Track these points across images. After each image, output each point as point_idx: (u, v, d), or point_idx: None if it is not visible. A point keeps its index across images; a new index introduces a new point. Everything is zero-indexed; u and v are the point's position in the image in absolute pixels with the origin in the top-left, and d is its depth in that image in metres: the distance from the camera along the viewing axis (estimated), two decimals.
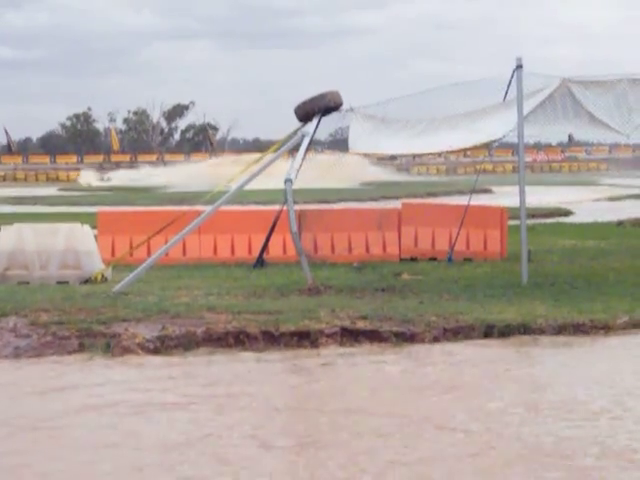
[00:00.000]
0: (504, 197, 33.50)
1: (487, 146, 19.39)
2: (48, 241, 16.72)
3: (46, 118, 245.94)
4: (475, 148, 18.17)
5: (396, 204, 22.83)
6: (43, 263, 16.60)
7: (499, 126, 16.41)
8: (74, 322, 12.43)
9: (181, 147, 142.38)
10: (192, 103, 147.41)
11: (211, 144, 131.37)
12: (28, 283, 16.29)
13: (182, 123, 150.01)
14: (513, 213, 20.54)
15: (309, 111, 16.41)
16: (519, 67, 15.83)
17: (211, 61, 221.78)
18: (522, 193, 16.04)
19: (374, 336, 12.34)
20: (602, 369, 10.92)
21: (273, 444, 8.14)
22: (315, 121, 16.46)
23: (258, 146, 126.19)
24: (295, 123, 16.92)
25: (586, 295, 14.63)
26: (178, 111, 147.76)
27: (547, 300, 14.12)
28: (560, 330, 12.55)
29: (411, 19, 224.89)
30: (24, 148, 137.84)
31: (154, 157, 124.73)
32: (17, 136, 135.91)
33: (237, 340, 12.18)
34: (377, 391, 10.07)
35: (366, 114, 17.05)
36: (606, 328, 12.60)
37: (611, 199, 49.55)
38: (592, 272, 17.28)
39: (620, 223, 29.06)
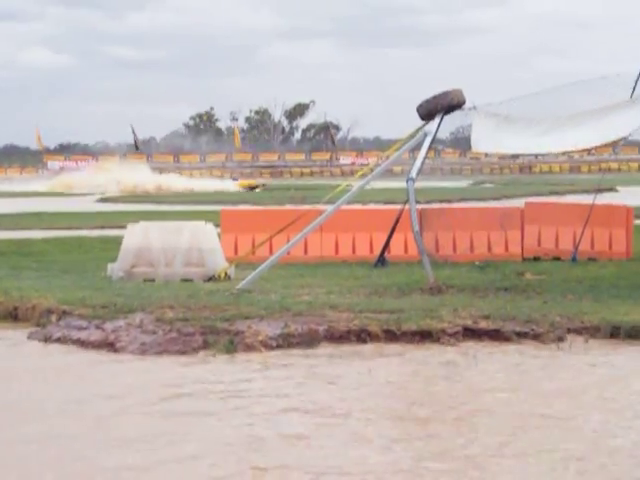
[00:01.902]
0: (630, 196, 32.81)
1: (613, 144, 19.01)
2: (173, 239, 17.01)
3: (169, 118, 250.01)
4: (601, 146, 17.80)
5: (519, 203, 22.53)
6: (168, 261, 16.89)
7: (626, 124, 16.06)
8: (198, 319, 12.61)
9: (302, 146, 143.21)
10: (313, 102, 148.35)
11: (332, 143, 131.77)
12: (154, 280, 16.60)
13: (303, 122, 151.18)
14: (639, 212, 20.15)
15: (432, 109, 16.32)
16: None
17: (331, 60, 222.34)
18: None
19: (496, 336, 12.23)
20: None
21: None
22: (437, 119, 16.36)
23: (378, 145, 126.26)
24: (416, 122, 16.86)
25: None
26: (299, 110, 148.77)
27: None
28: None
29: (532, 16, 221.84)
30: (148, 147, 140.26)
31: (276, 156, 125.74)
32: (141, 136, 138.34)
33: (359, 338, 12.20)
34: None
35: (489, 112, 16.88)
36: None
37: None
38: None
39: None
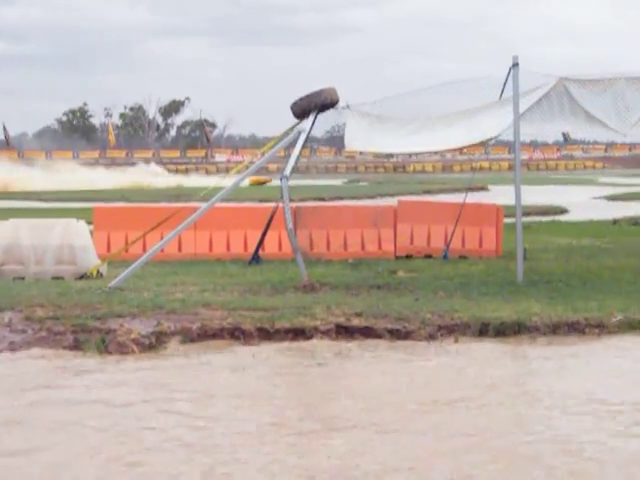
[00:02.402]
0: (500, 195, 33.51)
1: (483, 144, 19.40)
2: (44, 236, 16.72)
3: (42, 113, 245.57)
4: (472, 146, 18.17)
5: (392, 202, 22.81)
6: (39, 258, 16.60)
7: (495, 124, 16.43)
8: (69, 317, 12.43)
9: (177, 143, 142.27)
10: (188, 99, 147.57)
11: (208, 140, 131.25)
12: (23, 278, 16.30)
13: (178, 119, 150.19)
14: (509, 211, 20.58)
15: (305, 108, 16.40)
16: (515, 65, 15.84)
17: (206, 58, 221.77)
18: (518, 191, 16.06)
19: (369, 333, 12.35)
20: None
21: None
22: (311, 118, 16.45)
23: (254, 142, 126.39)
24: (291, 120, 16.91)
25: (581, 293, 14.65)
26: (174, 107, 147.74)
27: (542, 298, 14.13)
28: (555, 328, 12.56)
29: (404, 17, 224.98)
30: (19, 143, 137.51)
31: (150, 153, 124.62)
32: (13, 131, 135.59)
33: (232, 336, 12.19)
34: None
35: (362, 112, 17.05)
36: (600, 327, 12.61)
37: (607, 198, 49.58)
38: (587, 270, 17.30)
39: (616, 221, 29.12)
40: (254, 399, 9.51)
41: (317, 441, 8.14)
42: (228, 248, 20.15)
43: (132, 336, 11.84)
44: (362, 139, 17.06)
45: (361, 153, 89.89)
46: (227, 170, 66.20)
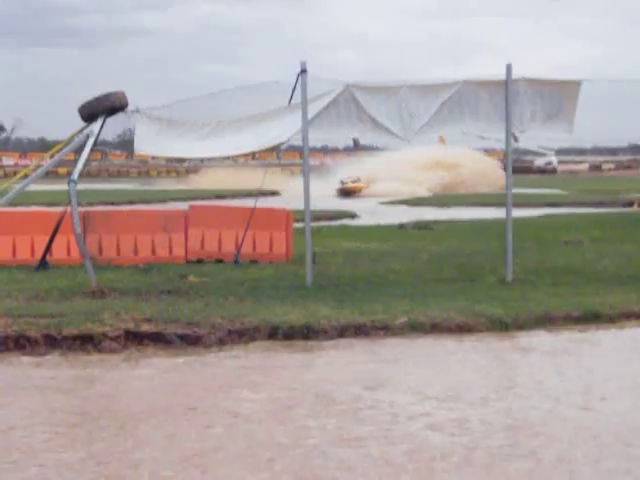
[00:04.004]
0: (291, 199, 33.86)
1: (275, 149, 19.57)
2: None
3: None
4: (262, 151, 18.28)
5: (184, 206, 22.71)
6: None
7: (284, 129, 16.62)
8: None
9: None
10: None
11: None
12: None
13: None
14: (299, 215, 20.84)
15: (94, 111, 16.17)
16: (304, 71, 16.07)
17: None
18: (307, 196, 16.30)
19: (159, 338, 12.31)
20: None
21: None
22: (100, 121, 16.23)
23: (44, 146, 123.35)
24: (81, 123, 16.64)
25: (368, 296, 14.99)
26: None
27: (330, 302, 14.39)
28: (342, 331, 12.82)
29: (193, 21, 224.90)
30: None
31: None
32: None
33: (17, 344, 11.91)
34: None
35: (152, 116, 16.93)
36: (386, 329, 12.95)
37: (393, 202, 50.83)
38: (374, 274, 17.71)
39: (402, 226, 29.88)
40: None
41: None
42: (14, 253, 19.62)
43: None
44: (152, 143, 16.95)
45: (154, 157, 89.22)
46: (14, 174, 64.42)
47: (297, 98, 16.37)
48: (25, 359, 11.54)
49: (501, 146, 17.42)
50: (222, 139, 16.75)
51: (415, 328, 13.02)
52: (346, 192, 63.47)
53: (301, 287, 15.90)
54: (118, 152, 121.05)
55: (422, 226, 29.58)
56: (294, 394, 10.00)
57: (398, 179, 66.13)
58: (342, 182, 66.27)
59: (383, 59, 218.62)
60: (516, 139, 17.07)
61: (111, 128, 16.80)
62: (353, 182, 66.43)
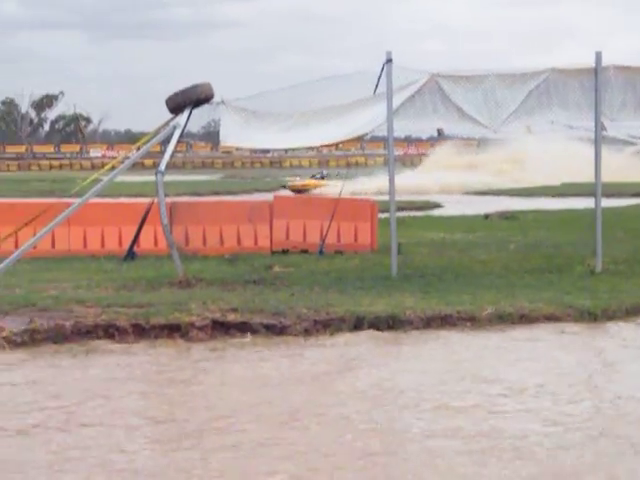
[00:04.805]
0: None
1: (359, 139, 19.54)
2: None
3: None
4: (347, 142, 18.27)
5: (269, 197, 22.82)
6: None
7: (369, 120, 16.57)
8: None
9: (51, 138, 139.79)
10: (62, 93, 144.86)
11: (82, 135, 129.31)
12: None
13: (52, 114, 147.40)
14: (384, 206, 20.78)
15: (180, 103, 16.27)
16: (389, 61, 16.00)
17: (81, 52, 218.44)
18: (392, 186, 16.24)
19: (245, 328, 12.37)
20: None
21: None
22: (186, 113, 16.34)
23: (130, 138, 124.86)
24: (167, 115, 16.78)
25: (454, 287, 14.90)
26: (47, 101, 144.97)
27: (416, 292, 14.33)
28: (428, 322, 12.76)
29: (279, 12, 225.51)
30: None
31: (23, 148, 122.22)
32: None
33: (106, 333, 12.07)
34: None
35: (237, 107, 17.01)
36: (472, 320, 12.86)
37: (478, 193, 50.47)
38: (460, 264, 17.60)
39: (487, 216, 29.62)
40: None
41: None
42: (103, 244, 19.89)
43: (3, 334, 11.64)
44: (237, 135, 17.03)
45: (237, 148, 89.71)
46: (102, 165, 65.38)
47: (382, 88, 16.31)
48: (115, 347, 11.70)
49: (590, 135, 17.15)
50: (307, 130, 16.76)
51: (502, 319, 12.91)
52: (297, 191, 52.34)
53: (386, 278, 15.85)
54: (202, 143, 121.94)
55: (508, 216, 29.29)
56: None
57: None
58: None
59: (468, 48, 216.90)
60: (604, 128, 16.82)
61: (196, 120, 16.92)
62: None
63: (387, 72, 16.03)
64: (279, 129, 16.84)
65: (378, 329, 12.54)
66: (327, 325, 12.59)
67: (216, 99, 16.78)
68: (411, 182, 47.48)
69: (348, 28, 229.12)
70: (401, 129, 17.61)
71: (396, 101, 16.16)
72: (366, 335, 12.29)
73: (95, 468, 7.42)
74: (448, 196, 46.32)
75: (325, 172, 59.80)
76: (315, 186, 52.29)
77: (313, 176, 57.58)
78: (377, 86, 16.39)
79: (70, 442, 8.06)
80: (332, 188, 50.06)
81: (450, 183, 52.30)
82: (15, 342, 11.58)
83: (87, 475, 7.29)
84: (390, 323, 12.65)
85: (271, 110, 17.00)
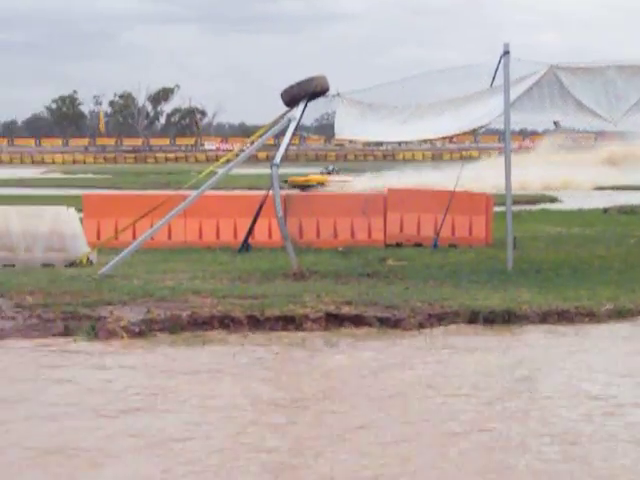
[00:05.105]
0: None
1: (473, 132, 19.36)
2: (33, 224, 16.67)
3: (31, 101, 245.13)
4: (462, 134, 18.11)
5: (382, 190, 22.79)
6: (28, 245, 16.55)
7: (485, 112, 16.40)
8: (59, 305, 12.43)
9: (167, 131, 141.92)
10: (177, 87, 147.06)
11: (197, 128, 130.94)
12: (13, 265, 16.25)
13: (168, 107, 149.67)
14: (499, 200, 20.58)
15: (295, 96, 16.33)
16: (506, 53, 15.81)
17: (196, 45, 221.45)
18: (508, 180, 16.05)
19: (358, 321, 12.35)
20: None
21: None
22: (301, 106, 16.38)
23: (244, 130, 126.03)
24: (281, 108, 16.86)
25: (571, 282, 14.66)
26: (163, 95, 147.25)
27: (532, 287, 14.14)
28: (545, 317, 12.57)
29: (394, 4, 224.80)
30: (9, 131, 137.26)
31: (139, 141, 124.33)
32: (2, 118, 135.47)
33: (222, 324, 12.18)
34: None
35: (353, 100, 17.00)
36: (591, 315, 12.63)
37: (595, 187, 49.59)
38: (577, 259, 17.32)
39: (606, 210, 29.12)
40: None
41: None
42: (218, 236, 20.12)
43: (122, 323, 11.84)
44: (352, 127, 17.02)
45: (351, 141, 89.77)
46: (217, 158, 65.98)
47: (499, 80, 16.13)
48: (231, 338, 11.80)
49: None
50: (422, 122, 16.66)
51: (622, 315, 12.66)
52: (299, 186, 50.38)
53: (502, 272, 15.68)
54: (316, 136, 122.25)
55: (627, 211, 28.74)
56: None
57: None
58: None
59: (584, 39, 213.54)
60: None
61: (310, 112, 16.94)
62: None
63: (504, 64, 15.84)
64: (394, 122, 16.77)
65: (493, 323, 12.40)
66: (441, 319, 12.50)
67: (331, 92, 16.79)
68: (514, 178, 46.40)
69: (462, 20, 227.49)
70: (517, 122, 17.38)
71: (513, 93, 15.96)
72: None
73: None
74: (564, 191, 45.55)
75: (331, 167, 57.70)
76: (318, 182, 50.18)
77: (323, 171, 55.50)
78: (494, 78, 16.23)
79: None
80: (336, 184, 48.48)
81: (552, 178, 50.54)
82: (133, 331, 11.75)
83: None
84: (506, 317, 12.50)
85: (386, 103, 16.95)
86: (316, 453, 7.51)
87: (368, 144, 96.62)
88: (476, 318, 12.49)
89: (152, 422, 8.33)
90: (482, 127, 17.55)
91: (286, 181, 49.64)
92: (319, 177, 51.35)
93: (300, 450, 7.63)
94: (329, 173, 52.99)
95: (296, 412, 8.77)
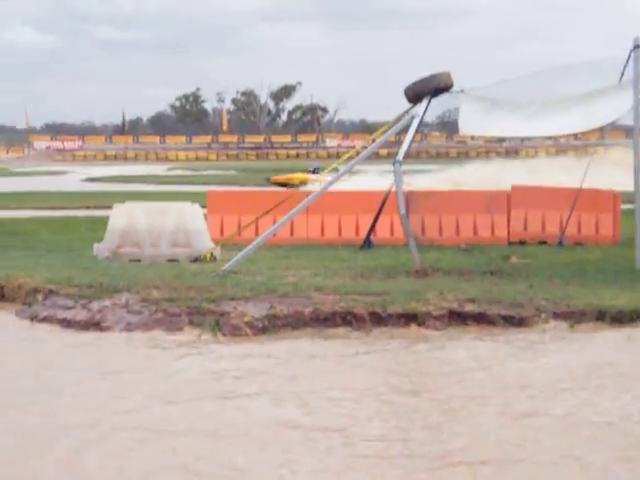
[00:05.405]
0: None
1: (600, 129, 18.99)
2: (159, 220, 16.97)
3: (155, 99, 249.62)
4: (588, 131, 17.76)
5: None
6: (154, 241, 16.85)
7: (614, 109, 16.05)
8: (184, 299, 12.59)
9: (288, 128, 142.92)
10: (299, 84, 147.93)
11: (319, 125, 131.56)
12: (139, 261, 16.57)
13: (289, 104, 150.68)
14: (625, 197, 20.17)
15: (419, 92, 16.24)
16: (637, 47, 15.44)
17: (318, 42, 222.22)
18: (637, 177, 15.67)
19: (482, 319, 12.23)
20: None
21: None
22: (425, 102, 16.29)
23: (364, 127, 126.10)
24: (404, 104, 16.78)
25: None
26: (285, 92, 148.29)
27: None
28: None
29: (515, 0, 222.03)
30: (135, 128, 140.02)
31: (261, 138, 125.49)
32: (128, 116, 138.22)
33: (344, 320, 12.19)
34: None
35: (476, 95, 16.82)
36: None
37: None
38: None
39: None
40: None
41: None
42: (340, 232, 20.18)
43: (245, 319, 11.94)
44: (476, 123, 16.83)
45: (473, 138, 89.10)
46: (337, 155, 66.07)
47: (628, 75, 15.77)
48: (353, 334, 11.81)
49: None
50: (548, 119, 16.39)
51: None
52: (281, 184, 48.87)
53: (630, 271, 15.33)
54: (437, 133, 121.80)
55: None
56: None
57: None
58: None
59: None
60: None
61: (432, 109, 16.82)
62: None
63: (634, 59, 15.48)
64: (519, 118, 16.52)
65: (620, 323, 12.14)
66: (567, 318, 12.29)
67: (455, 88, 16.65)
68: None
69: (585, 15, 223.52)
70: None
71: None
72: None
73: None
74: None
75: (317, 166, 55.23)
76: (300, 181, 48.14)
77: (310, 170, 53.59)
78: (623, 74, 15.87)
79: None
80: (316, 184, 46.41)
81: None
82: (256, 327, 11.85)
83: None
84: (634, 317, 12.23)
85: (512, 99, 16.73)
86: None
87: (489, 140, 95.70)
88: (603, 317, 12.25)
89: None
90: (611, 123, 17.20)
91: (268, 179, 49.40)
92: (301, 176, 50.30)
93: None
94: (313, 172, 51.43)
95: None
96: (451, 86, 16.48)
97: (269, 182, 48.89)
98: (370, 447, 7.61)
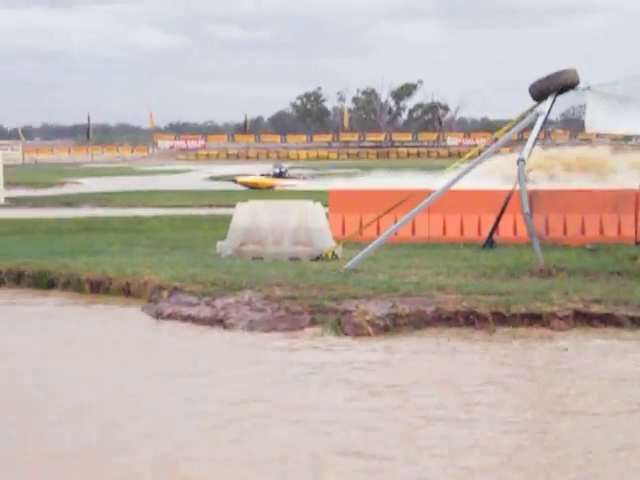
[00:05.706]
0: None
1: None
2: (281, 218, 17.09)
3: (276, 97, 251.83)
4: None
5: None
6: (276, 239, 16.97)
7: None
8: (306, 298, 12.65)
9: (408, 126, 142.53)
10: (420, 82, 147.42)
11: (440, 123, 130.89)
12: (262, 258, 16.70)
13: (410, 102, 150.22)
14: None
15: (545, 90, 15.99)
16: None
17: (439, 40, 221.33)
18: None
19: (609, 320, 11.99)
20: None
21: None
22: (550, 100, 16.05)
23: (486, 126, 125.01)
24: (526, 102, 16.57)
25: None
26: (406, 90, 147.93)
27: None
28: None
29: None
30: (256, 127, 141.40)
31: (382, 137, 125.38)
32: (249, 115, 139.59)
33: (467, 320, 12.08)
34: None
35: (604, 93, 16.49)
36: None
37: None
38: None
39: None
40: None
41: None
42: (462, 232, 20.03)
43: (367, 317, 11.93)
44: (604, 121, 16.48)
45: (598, 135, 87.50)
46: (459, 154, 65.64)
47: None
48: (476, 335, 11.71)
49: None
50: None
51: None
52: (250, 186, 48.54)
53: None
54: (560, 131, 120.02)
55: None
56: None
57: None
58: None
59: None
60: None
61: (556, 107, 16.54)
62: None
63: None
64: None
65: None
66: None
67: (581, 85, 16.35)
68: None
69: None
70: None
71: None
72: None
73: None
74: None
75: (285, 168, 52.97)
76: (265, 184, 47.33)
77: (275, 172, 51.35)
78: None
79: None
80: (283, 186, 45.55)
81: None
82: (378, 326, 11.84)
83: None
84: None
85: None
86: None
87: (615, 138, 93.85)
88: None
89: None
90: None
91: (234, 180, 48.44)
92: (264, 180, 49.00)
93: None
94: (280, 174, 50.26)
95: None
96: (577, 83, 16.18)
97: (236, 183, 48.29)
98: None
